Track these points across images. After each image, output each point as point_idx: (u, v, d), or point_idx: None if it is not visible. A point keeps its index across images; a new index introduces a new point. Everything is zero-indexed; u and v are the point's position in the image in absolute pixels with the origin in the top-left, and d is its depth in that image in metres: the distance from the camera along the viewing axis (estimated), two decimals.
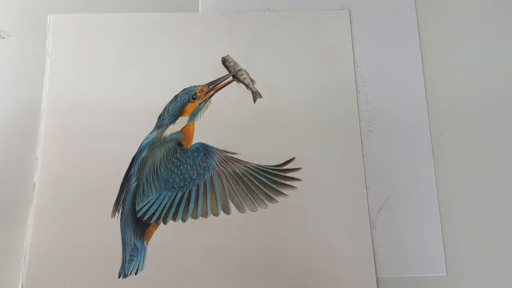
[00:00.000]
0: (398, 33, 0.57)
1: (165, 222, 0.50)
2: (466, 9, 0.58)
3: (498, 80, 0.56)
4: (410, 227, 0.51)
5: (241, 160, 0.52)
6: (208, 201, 0.50)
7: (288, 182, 0.51)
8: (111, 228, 0.49)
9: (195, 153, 0.52)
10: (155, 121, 0.52)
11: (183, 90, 0.54)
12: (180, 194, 0.50)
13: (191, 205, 0.50)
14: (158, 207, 0.50)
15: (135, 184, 0.51)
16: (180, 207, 0.50)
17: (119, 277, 0.48)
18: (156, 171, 0.51)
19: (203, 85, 0.54)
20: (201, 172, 0.51)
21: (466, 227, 0.51)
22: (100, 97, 0.53)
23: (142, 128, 0.52)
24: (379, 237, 0.50)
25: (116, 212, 0.50)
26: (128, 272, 0.48)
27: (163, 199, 0.50)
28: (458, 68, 0.56)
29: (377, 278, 0.49)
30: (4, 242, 0.50)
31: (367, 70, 0.55)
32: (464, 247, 0.51)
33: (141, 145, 0.52)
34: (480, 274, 0.50)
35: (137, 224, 0.49)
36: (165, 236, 0.49)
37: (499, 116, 0.54)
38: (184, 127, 0.52)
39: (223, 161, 0.52)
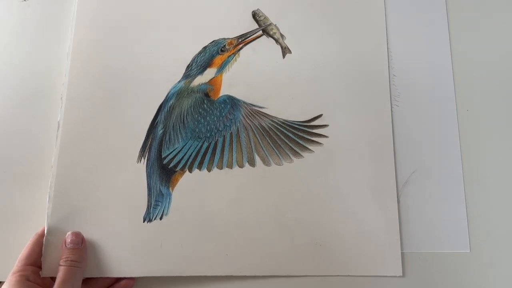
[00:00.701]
0: (427, 8, 0.56)
1: (190, 170, 0.49)
2: None
3: None
4: (435, 203, 0.50)
5: (268, 114, 0.51)
6: (234, 152, 0.50)
7: (314, 138, 0.51)
8: (137, 173, 0.49)
9: (222, 105, 0.51)
10: (183, 71, 0.52)
11: (212, 41, 0.53)
12: (206, 144, 0.50)
13: (217, 156, 0.50)
14: (184, 155, 0.50)
15: (161, 131, 0.50)
16: (206, 156, 0.50)
17: (144, 221, 0.48)
18: (183, 120, 0.51)
19: (232, 38, 0.53)
20: (228, 124, 0.51)
21: (491, 205, 0.51)
22: (130, 46, 0.53)
23: (170, 77, 0.52)
24: (403, 211, 0.50)
25: (142, 158, 0.49)
26: (153, 216, 0.48)
27: (189, 148, 0.50)
28: (486, 44, 0.55)
29: (400, 253, 0.49)
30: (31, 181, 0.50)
31: (394, 44, 0.54)
32: (488, 225, 0.50)
33: (168, 94, 0.51)
34: (503, 252, 0.50)
35: (162, 170, 0.49)
36: (190, 184, 0.49)
37: None
38: (212, 79, 0.52)
39: (250, 114, 0.51)
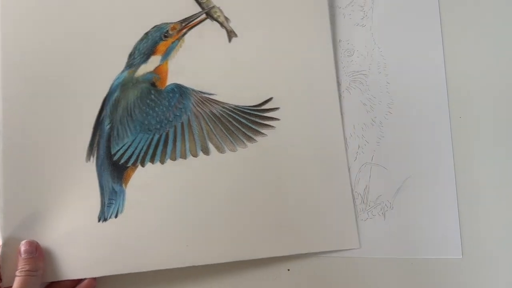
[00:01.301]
0: (420, 14, 0.54)
1: (143, 164, 0.48)
2: None
3: None
4: (427, 209, 0.51)
5: (218, 101, 0.51)
6: (187, 142, 0.49)
7: (266, 122, 0.51)
8: (87, 172, 0.47)
9: (171, 94, 0.50)
10: (126, 60, 0.50)
11: (154, 27, 0.50)
12: (157, 136, 0.49)
13: (169, 147, 0.49)
14: (135, 150, 0.48)
15: (108, 126, 0.48)
16: (158, 149, 0.49)
17: (99, 221, 0.47)
18: (130, 113, 0.49)
19: (175, 22, 0.51)
20: (178, 114, 0.50)
21: (483, 211, 0.51)
22: (65, 38, 0.49)
23: (112, 67, 0.49)
24: (396, 217, 0.51)
25: (91, 156, 0.48)
26: (108, 215, 0.47)
27: (140, 142, 0.48)
28: (479, 51, 0.54)
29: (393, 259, 0.50)
30: None
31: (388, 51, 0.54)
32: (480, 230, 0.51)
33: (112, 86, 0.49)
34: (495, 257, 0.50)
35: (113, 167, 0.48)
36: (144, 178, 0.48)
37: None
38: (157, 67, 0.50)
39: (200, 102, 0.50)
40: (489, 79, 0.54)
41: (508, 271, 0.50)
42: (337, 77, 0.53)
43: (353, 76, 0.54)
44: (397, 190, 0.52)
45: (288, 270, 0.50)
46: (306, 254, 0.50)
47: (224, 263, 0.48)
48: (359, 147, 0.53)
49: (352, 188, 0.52)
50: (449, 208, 0.51)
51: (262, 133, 0.51)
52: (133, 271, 0.47)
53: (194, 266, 0.48)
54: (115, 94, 0.49)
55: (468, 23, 0.55)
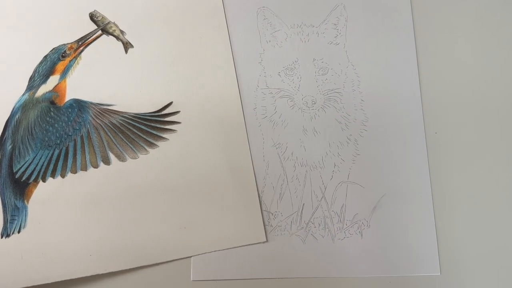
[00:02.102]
0: (394, 31, 0.55)
1: (44, 180, 0.50)
2: (463, 7, 0.56)
3: (494, 79, 0.54)
4: (404, 226, 0.51)
5: (117, 111, 0.52)
6: (87, 154, 0.51)
7: (167, 126, 0.52)
8: None
9: (69, 110, 0.51)
10: (26, 84, 0.52)
11: (52, 49, 0.53)
12: (57, 151, 0.50)
13: (69, 161, 0.50)
14: (36, 166, 0.50)
15: (10, 147, 0.50)
16: (58, 163, 0.50)
17: (1, 237, 0.48)
18: (31, 131, 0.51)
19: (72, 42, 0.53)
20: (77, 128, 0.51)
21: (461, 227, 0.51)
22: None
23: (13, 91, 0.52)
24: (373, 236, 0.50)
25: None
26: (10, 231, 0.48)
27: (40, 158, 0.50)
28: (453, 67, 0.54)
29: (370, 278, 0.49)
30: None
31: (362, 69, 0.54)
32: (458, 247, 0.50)
33: (13, 108, 0.51)
34: (473, 274, 0.50)
35: (15, 185, 0.49)
36: (45, 193, 0.49)
37: (494, 115, 0.53)
38: (56, 86, 0.52)
39: (99, 114, 0.52)
40: (464, 94, 0.54)
41: (486, 287, 0.49)
42: (236, 76, 0.54)
43: (328, 94, 0.54)
44: (373, 208, 0.51)
45: None
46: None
47: (128, 269, 0.48)
48: (335, 165, 0.52)
49: (256, 184, 0.51)
50: (427, 225, 0.51)
51: (164, 138, 0.51)
52: (36, 284, 0.47)
53: (98, 275, 0.48)
54: (16, 116, 0.51)
55: (442, 39, 0.55)
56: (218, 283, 0.49)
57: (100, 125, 0.51)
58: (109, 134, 0.51)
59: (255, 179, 0.51)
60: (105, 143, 0.51)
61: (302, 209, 0.51)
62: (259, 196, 0.51)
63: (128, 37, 0.54)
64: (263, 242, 0.50)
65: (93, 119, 0.51)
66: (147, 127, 0.52)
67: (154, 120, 0.52)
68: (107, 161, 0.51)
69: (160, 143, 0.51)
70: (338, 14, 0.55)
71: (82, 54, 0.53)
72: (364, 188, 0.52)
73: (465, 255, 0.50)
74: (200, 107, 0.52)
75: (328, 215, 0.51)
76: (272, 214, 0.51)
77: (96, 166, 0.50)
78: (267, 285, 0.49)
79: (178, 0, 0.55)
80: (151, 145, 0.51)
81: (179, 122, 0.52)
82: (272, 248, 0.50)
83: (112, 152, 0.51)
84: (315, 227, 0.51)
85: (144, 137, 0.51)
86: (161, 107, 0.52)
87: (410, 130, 0.53)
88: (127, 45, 0.54)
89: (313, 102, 0.53)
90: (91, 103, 0.52)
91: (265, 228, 0.50)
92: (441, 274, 0.50)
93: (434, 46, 0.55)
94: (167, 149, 0.51)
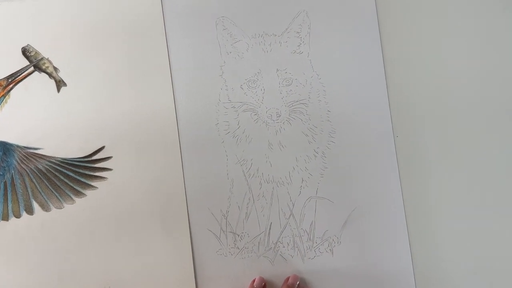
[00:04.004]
0: (359, 38, 0.52)
1: None
2: (429, 15, 0.52)
3: (463, 85, 0.51)
4: (377, 241, 0.48)
5: (44, 155, 0.48)
6: (9, 203, 0.47)
7: (97, 173, 0.48)
8: None
9: None
10: None
11: None
12: None
13: None
14: None
15: None
16: None
17: None
18: None
19: (1, 79, 0.50)
20: (1, 173, 0.48)
21: (435, 240, 0.49)
22: None
23: None
24: (345, 253, 0.48)
25: None
26: None
27: None
28: (421, 73, 0.51)
29: None
30: None
31: (327, 78, 0.51)
32: (433, 262, 0.49)
33: None
34: None
35: None
36: None
37: (465, 124, 0.50)
38: None
39: (25, 158, 0.48)
40: (434, 102, 0.51)
41: None
42: (177, 117, 0.50)
43: (293, 106, 0.51)
44: (344, 224, 0.50)
45: None
46: None
47: None
48: (302, 180, 0.50)
49: (190, 232, 0.48)
50: (399, 239, 0.49)
51: (92, 186, 0.48)
52: None
53: None
54: None
55: (409, 44, 0.52)
56: None
57: (25, 170, 0.48)
58: (34, 180, 0.48)
59: (191, 242, 0.48)
60: (29, 191, 0.48)
61: (270, 229, 0.49)
62: (193, 256, 0.47)
63: (61, 74, 0.50)
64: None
65: (18, 163, 0.48)
66: (75, 174, 0.48)
67: (83, 166, 0.48)
68: (30, 211, 0.47)
69: (88, 192, 0.48)
70: (301, 21, 0.51)
71: (12, 92, 0.50)
72: (333, 203, 0.49)
73: (440, 270, 0.49)
74: (135, 151, 0.48)
75: (297, 234, 0.49)
76: (239, 235, 0.49)
77: (18, 216, 0.47)
78: None
79: (117, 35, 0.50)
80: (78, 193, 0.48)
81: (110, 169, 0.48)
82: (238, 271, 0.48)
83: (36, 201, 0.47)
84: (283, 247, 0.49)
85: (71, 184, 0.48)
86: (91, 152, 0.49)
87: (379, 140, 0.50)
88: (60, 83, 0.50)
89: (277, 115, 0.50)
90: (18, 146, 0.48)
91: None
92: None
93: (401, 51, 0.52)
94: (95, 198, 0.48)
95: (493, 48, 0.51)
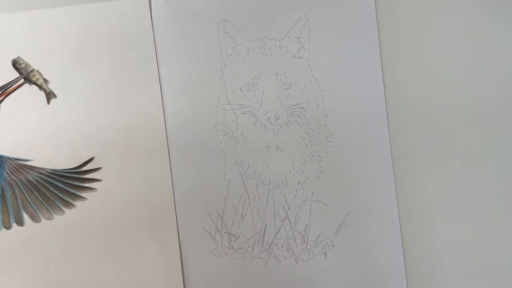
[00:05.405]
0: (359, 45, 0.52)
1: None
2: (427, 23, 0.52)
3: (461, 92, 0.51)
4: (370, 246, 0.49)
5: (34, 167, 0.49)
6: (0, 214, 0.48)
7: (87, 184, 0.49)
8: None
9: None
10: None
11: None
12: None
13: None
14: None
15: None
16: None
17: None
18: None
19: None
20: None
21: (428, 244, 0.49)
22: None
23: None
24: (338, 256, 0.49)
25: None
26: None
27: None
28: (420, 81, 0.51)
29: None
30: None
31: (326, 83, 0.51)
32: (426, 266, 0.49)
33: None
34: None
35: None
36: None
37: (461, 129, 0.51)
38: None
39: (15, 169, 0.49)
40: (431, 108, 0.52)
41: None
42: (166, 126, 0.50)
43: (291, 109, 0.51)
44: (338, 227, 0.50)
45: None
46: None
47: None
48: (298, 183, 0.51)
49: (179, 242, 0.48)
50: (393, 244, 0.49)
51: (82, 197, 0.48)
52: None
53: None
54: None
55: (408, 52, 0.52)
56: None
57: (16, 182, 0.48)
58: (24, 192, 0.48)
59: (180, 253, 0.48)
60: (19, 202, 0.48)
61: (265, 230, 0.50)
62: (182, 268, 0.48)
63: (51, 86, 0.51)
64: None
65: (9, 175, 0.49)
66: (65, 185, 0.49)
67: (72, 177, 0.49)
68: (20, 222, 0.48)
69: (77, 203, 0.48)
70: (301, 27, 0.52)
71: (2, 104, 0.50)
72: (328, 207, 0.50)
73: (434, 274, 0.49)
74: (125, 161, 0.49)
75: (292, 236, 0.49)
76: (234, 236, 0.49)
77: (8, 227, 0.48)
78: None
79: (106, 46, 0.51)
80: (68, 204, 0.48)
81: (99, 180, 0.49)
82: (232, 271, 0.48)
83: (26, 212, 0.48)
84: (278, 248, 0.49)
85: (61, 195, 0.48)
86: (81, 163, 0.49)
87: (375, 146, 0.50)
88: (49, 95, 0.51)
89: (276, 118, 0.50)
90: (8, 157, 0.49)
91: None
92: None
93: (400, 58, 0.52)
94: (85, 209, 0.48)
95: (492, 53, 0.51)
